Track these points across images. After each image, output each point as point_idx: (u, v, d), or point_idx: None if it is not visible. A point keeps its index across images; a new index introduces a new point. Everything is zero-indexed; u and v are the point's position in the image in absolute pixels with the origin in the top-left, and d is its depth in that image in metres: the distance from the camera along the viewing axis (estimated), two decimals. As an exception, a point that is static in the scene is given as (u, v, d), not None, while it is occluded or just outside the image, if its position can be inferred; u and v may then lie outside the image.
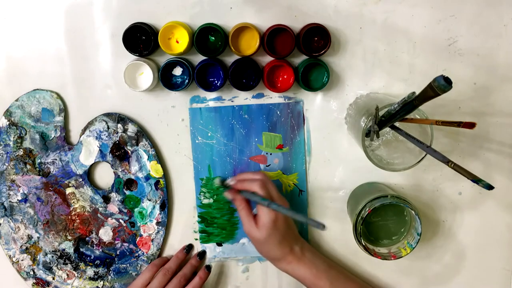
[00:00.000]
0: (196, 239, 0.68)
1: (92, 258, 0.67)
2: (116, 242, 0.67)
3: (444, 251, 0.69)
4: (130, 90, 0.61)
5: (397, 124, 0.54)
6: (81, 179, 0.65)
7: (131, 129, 0.64)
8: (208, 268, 0.66)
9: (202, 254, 0.68)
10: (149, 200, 0.66)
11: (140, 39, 0.61)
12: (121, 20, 0.61)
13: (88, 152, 0.65)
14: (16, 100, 0.64)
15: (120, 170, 0.65)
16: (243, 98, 0.65)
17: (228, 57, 0.63)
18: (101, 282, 0.68)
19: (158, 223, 0.67)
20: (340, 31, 0.62)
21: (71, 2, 0.62)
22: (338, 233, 0.68)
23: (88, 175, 0.66)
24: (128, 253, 0.67)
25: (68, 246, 0.67)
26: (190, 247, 0.68)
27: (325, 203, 0.68)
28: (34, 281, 0.68)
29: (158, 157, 0.65)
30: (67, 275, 0.68)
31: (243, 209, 0.59)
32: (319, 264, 0.61)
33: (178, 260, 0.66)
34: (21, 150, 0.64)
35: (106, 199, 0.66)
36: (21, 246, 0.67)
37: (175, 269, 0.65)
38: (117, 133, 0.64)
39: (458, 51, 0.63)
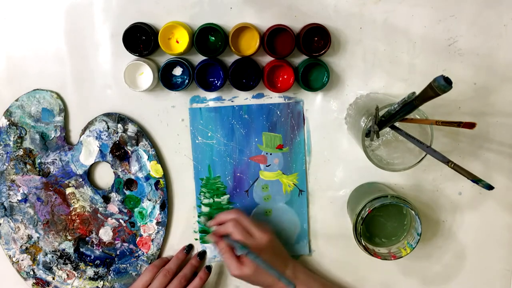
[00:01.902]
0: (196, 239, 0.68)
1: (92, 258, 0.67)
2: (116, 242, 0.67)
3: (444, 251, 0.69)
4: (130, 90, 0.61)
5: (397, 124, 0.54)
6: (81, 179, 0.65)
7: (131, 129, 0.64)
8: (209, 268, 0.66)
9: (202, 254, 0.68)
10: (149, 200, 0.66)
11: (140, 39, 0.61)
12: (121, 20, 0.61)
13: (88, 152, 0.65)
14: (16, 100, 0.64)
15: (120, 170, 0.65)
16: (243, 98, 0.65)
17: (228, 57, 0.63)
18: (101, 282, 0.68)
19: (158, 223, 0.67)
20: (340, 31, 0.62)
21: (71, 2, 0.62)
22: (338, 233, 0.68)
23: (88, 175, 0.66)
24: (128, 253, 0.67)
25: (68, 246, 0.67)
26: (190, 247, 0.68)
27: (325, 203, 0.68)
28: (34, 281, 0.68)
29: (158, 157, 0.65)
30: (67, 275, 0.68)
31: (225, 253, 0.59)
32: (313, 285, 0.62)
33: (179, 261, 0.66)
34: (21, 150, 0.64)
35: (106, 199, 0.66)
36: (21, 246, 0.67)
37: (176, 270, 0.65)
38: (117, 133, 0.64)
39: (458, 51, 0.63)
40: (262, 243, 0.59)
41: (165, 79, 0.61)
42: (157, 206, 0.66)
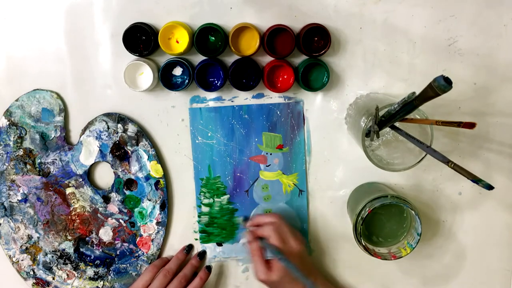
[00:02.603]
0: (196, 239, 0.68)
1: (92, 258, 0.67)
2: (116, 242, 0.67)
3: (444, 251, 0.69)
4: (130, 90, 0.61)
5: (397, 124, 0.54)
6: (81, 179, 0.65)
7: (131, 129, 0.64)
8: (209, 268, 0.66)
9: (202, 254, 0.68)
10: (149, 200, 0.66)
11: (140, 39, 0.61)
12: (121, 20, 0.61)
13: (88, 152, 0.65)
14: (16, 100, 0.64)
15: (120, 170, 0.65)
16: (243, 98, 0.65)
17: (228, 57, 0.63)
18: (101, 282, 0.68)
19: (158, 223, 0.67)
20: (340, 31, 0.62)
21: (71, 2, 0.62)
22: (338, 234, 0.68)
23: (88, 175, 0.66)
24: (128, 253, 0.67)
25: (68, 246, 0.67)
26: (190, 247, 0.68)
27: (325, 203, 0.68)
28: (34, 281, 0.68)
29: (158, 157, 0.65)
30: (67, 275, 0.68)
31: (255, 255, 0.59)
32: None
33: (179, 261, 0.66)
34: (21, 150, 0.64)
35: (106, 199, 0.66)
36: (21, 246, 0.67)
37: (176, 270, 0.65)
38: (117, 133, 0.64)
39: (458, 51, 0.63)
40: (294, 253, 0.59)
41: (165, 79, 0.61)
42: (157, 206, 0.66)
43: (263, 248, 0.59)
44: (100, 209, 0.66)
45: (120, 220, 0.67)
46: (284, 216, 0.63)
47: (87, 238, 0.67)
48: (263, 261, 0.58)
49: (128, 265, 0.68)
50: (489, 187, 0.45)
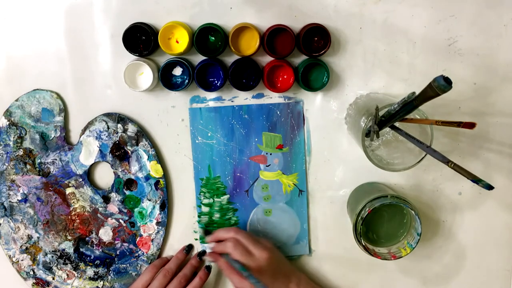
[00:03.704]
0: (196, 239, 0.68)
1: (92, 258, 0.67)
2: (116, 242, 0.67)
3: (444, 251, 0.69)
4: (130, 90, 0.61)
5: (397, 124, 0.54)
6: (81, 179, 0.65)
7: (131, 129, 0.64)
8: (208, 268, 0.66)
9: (202, 254, 0.68)
10: (149, 200, 0.66)
11: (140, 39, 0.61)
12: (121, 20, 0.61)
13: (88, 152, 0.65)
14: (16, 100, 0.64)
15: (120, 170, 0.65)
16: (243, 98, 0.65)
17: (228, 57, 0.63)
18: (101, 282, 0.68)
19: (158, 223, 0.67)
20: (340, 31, 0.62)
21: (71, 2, 0.62)
22: (338, 233, 0.68)
23: (88, 175, 0.66)
24: (128, 253, 0.67)
25: (68, 246, 0.67)
26: (190, 247, 0.68)
27: (325, 203, 0.68)
28: (34, 281, 0.68)
29: (158, 157, 0.65)
30: (67, 275, 0.68)
31: (226, 269, 0.59)
32: None
33: (178, 261, 0.66)
34: (21, 150, 0.64)
35: (106, 199, 0.66)
36: (21, 246, 0.67)
37: (175, 270, 0.65)
38: (117, 133, 0.64)
39: (458, 51, 0.63)
40: (262, 262, 0.59)
41: (165, 79, 0.61)
42: (157, 206, 0.66)
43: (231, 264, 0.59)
44: (100, 209, 0.66)
45: (120, 220, 0.67)
46: (240, 228, 0.65)
47: (87, 238, 0.67)
48: (236, 271, 0.59)
49: (128, 265, 0.68)
50: (489, 187, 0.45)
